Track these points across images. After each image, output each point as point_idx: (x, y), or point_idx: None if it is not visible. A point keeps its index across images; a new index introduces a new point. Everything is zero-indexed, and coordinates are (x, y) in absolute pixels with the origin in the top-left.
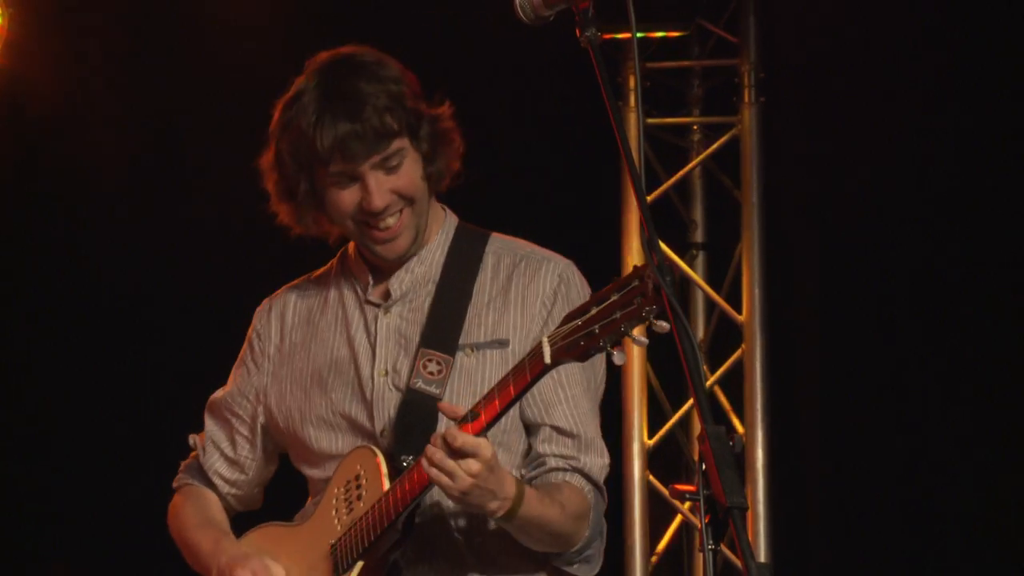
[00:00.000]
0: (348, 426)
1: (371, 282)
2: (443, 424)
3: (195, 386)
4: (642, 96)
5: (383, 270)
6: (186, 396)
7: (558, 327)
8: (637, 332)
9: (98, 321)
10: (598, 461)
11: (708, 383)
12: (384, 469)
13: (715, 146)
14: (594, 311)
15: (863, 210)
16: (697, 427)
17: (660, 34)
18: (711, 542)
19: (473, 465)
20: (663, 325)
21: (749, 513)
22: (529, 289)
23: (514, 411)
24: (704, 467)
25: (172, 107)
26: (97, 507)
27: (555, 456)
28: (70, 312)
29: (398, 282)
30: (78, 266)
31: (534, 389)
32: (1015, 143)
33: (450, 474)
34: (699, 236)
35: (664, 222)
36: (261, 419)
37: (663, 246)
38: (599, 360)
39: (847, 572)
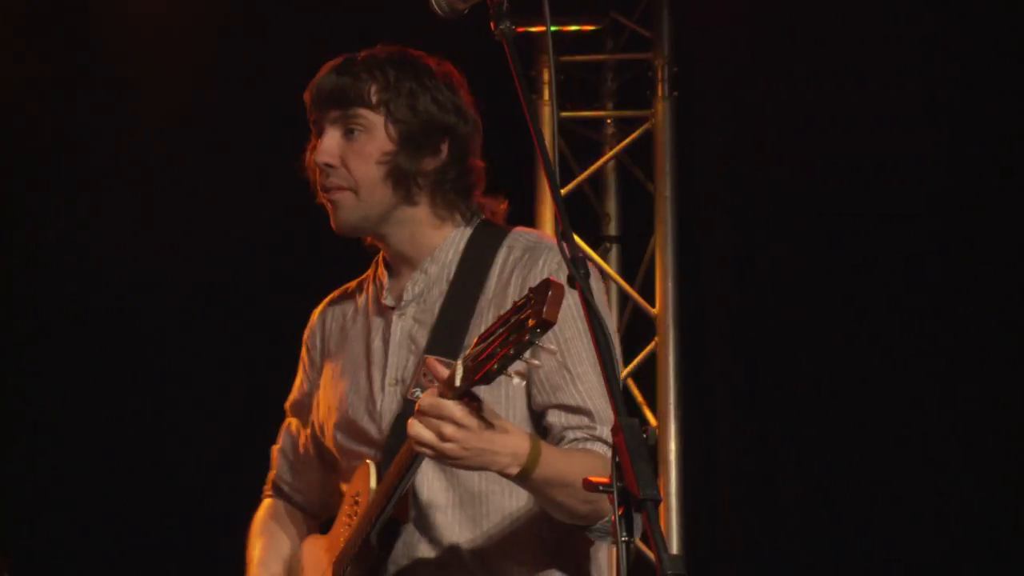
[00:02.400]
0: (360, 439)
1: (387, 284)
2: None
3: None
4: (556, 89)
5: (401, 272)
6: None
7: (472, 347)
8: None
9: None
10: None
11: (621, 376)
12: (373, 484)
13: (628, 140)
14: (498, 332)
15: (776, 203)
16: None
17: (574, 28)
18: (624, 534)
19: (445, 427)
20: (551, 349)
21: (662, 505)
22: (527, 281)
23: (520, 404)
24: (617, 459)
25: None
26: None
27: (571, 428)
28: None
29: (412, 283)
30: (74, 271)
31: (540, 374)
32: (932, 127)
33: (428, 444)
34: (612, 229)
35: (578, 215)
36: (315, 429)
37: (577, 239)
38: (612, 334)
39: (760, 564)
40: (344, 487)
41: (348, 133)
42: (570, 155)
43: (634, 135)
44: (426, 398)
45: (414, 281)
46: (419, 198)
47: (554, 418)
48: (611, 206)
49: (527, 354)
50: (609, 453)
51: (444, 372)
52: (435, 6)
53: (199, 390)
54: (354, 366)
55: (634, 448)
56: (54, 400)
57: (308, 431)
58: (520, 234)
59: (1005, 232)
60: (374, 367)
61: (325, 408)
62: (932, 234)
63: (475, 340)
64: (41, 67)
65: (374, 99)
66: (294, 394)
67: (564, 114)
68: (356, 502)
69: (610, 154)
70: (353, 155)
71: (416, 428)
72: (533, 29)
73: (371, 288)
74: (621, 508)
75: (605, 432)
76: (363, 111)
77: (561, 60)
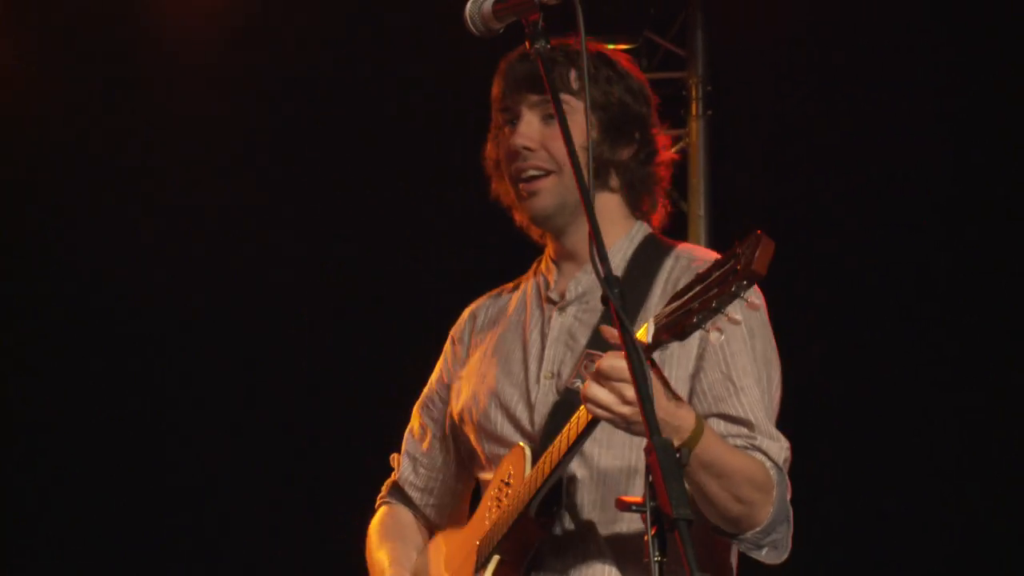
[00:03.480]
0: (511, 428)
1: (554, 280)
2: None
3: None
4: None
5: (566, 270)
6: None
7: (664, 305)
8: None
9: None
10: (775, 444)
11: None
12: (528, 464)
13: None
14: (696, 288)
15: (809, 221)
16: None
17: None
18: (657, 553)
19: (627, 389)
20: (755, 303)
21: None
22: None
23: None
24: (651, 478)
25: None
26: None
27: (732, 436)
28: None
29: (575, 283)
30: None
31: (704, 384)
32: (972, 151)
33: (605, 405)
34: None
35: None
36: (449, 421)
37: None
38: (772, 352)
39: None
40: (484, 475)
41: (548, 118)
42: None
43: None
44: (608, 359)
45: (577, 281)
46: (615, 187)
47: (715, 426)
48: None
49: (728, 308)
50: (767, 462)
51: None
52: (470, 25)
53: (199, 391)
54: (507, 354)
55: (668, 467)
56: (54, 401)
57: (443, 428)
58: (688, 248)
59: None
60: (530, 358)
61: (469, 394)
62: (970, 251)
63: (667, 301)
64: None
65: (574, 84)
66: (426, 392)
67: None
68: (507, 483)
69: None
70: (555, 138)
71: (594, 390)
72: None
73: (531, 284)
74: (654, 528)
75: (764, 443)
76: (564, 96)
77: None
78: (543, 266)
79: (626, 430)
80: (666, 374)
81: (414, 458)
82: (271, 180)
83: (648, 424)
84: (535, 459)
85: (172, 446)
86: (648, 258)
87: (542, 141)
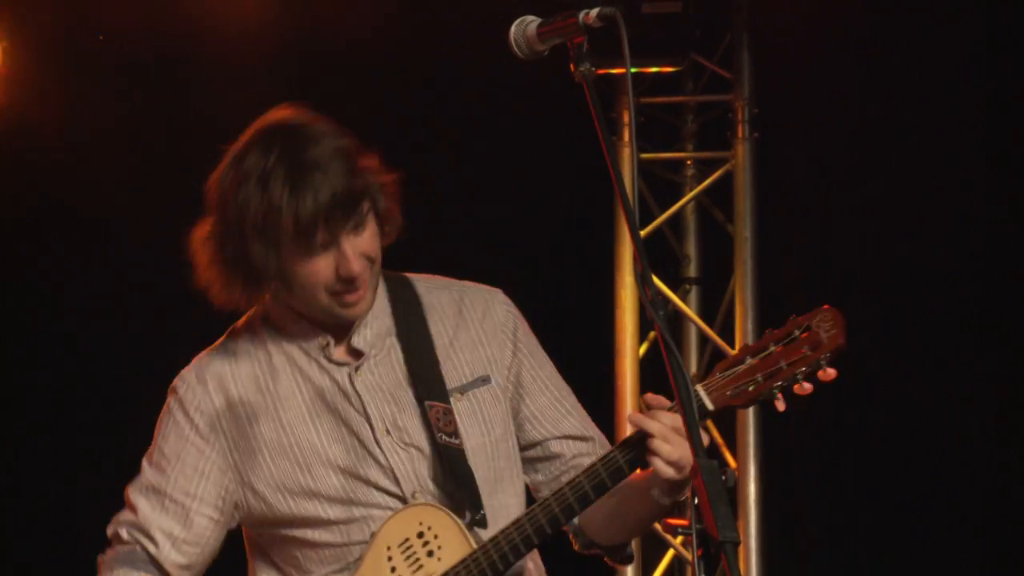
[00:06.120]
0: (366, 488)
1: (331, 342)
2: (479, 469)
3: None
4: (636, 131)
5: (335, 330)
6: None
7: (718, 375)
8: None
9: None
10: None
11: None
12: (459, 524)
13: (708, 181)
14: (760, 356)
15: (855, 244)
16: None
17: (654, 69)
18: (703, 575)
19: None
20: (830, 373)
21: (741, 548)
22: (485, 323)
23: (511, 446)
24: (696, 501)
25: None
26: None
27: (578, 455)
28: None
29: (360, 339)
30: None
31: (534, 409)
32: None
33: (679, 464)
34: (692, 271)
35: (657, 256)
36: (236, 496)
37: (656, 280)
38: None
39: None
40: (317, 535)
41: (358, 232)
42: (650, 196)
43: (714, 176)
44: (675, 418)
45: (362, 336)
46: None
47: (556, 448)
48: (691, 248)
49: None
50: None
51: (667, 403)
52: (515, 48)
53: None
54: (317, 425)
55: (713, 490)
56: (53, 400)
57: (214, 503)
58: (424, 280)
59: None
60: (354, 422)
61: (271, 469)
62: (1013, 271)
63: (722, 366)
64: (37, 99)
65: (362, 188)
66: (166, 470)
67: (644, 156)
68: (424, 542)
69: (690, 195)
70: (367, 245)
71: (667, 448)
72: (613, 71)
73: (281, 346)
74: (700, 550)
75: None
76: (363, 205)
77: (641, 102)
78: (291, 328)
79: (680, 481)
80: (482, 415)
81: (174, 537)
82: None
83: (695, 448)
84: (472, 519)
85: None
86: (402, 299)
87: (364, 258)
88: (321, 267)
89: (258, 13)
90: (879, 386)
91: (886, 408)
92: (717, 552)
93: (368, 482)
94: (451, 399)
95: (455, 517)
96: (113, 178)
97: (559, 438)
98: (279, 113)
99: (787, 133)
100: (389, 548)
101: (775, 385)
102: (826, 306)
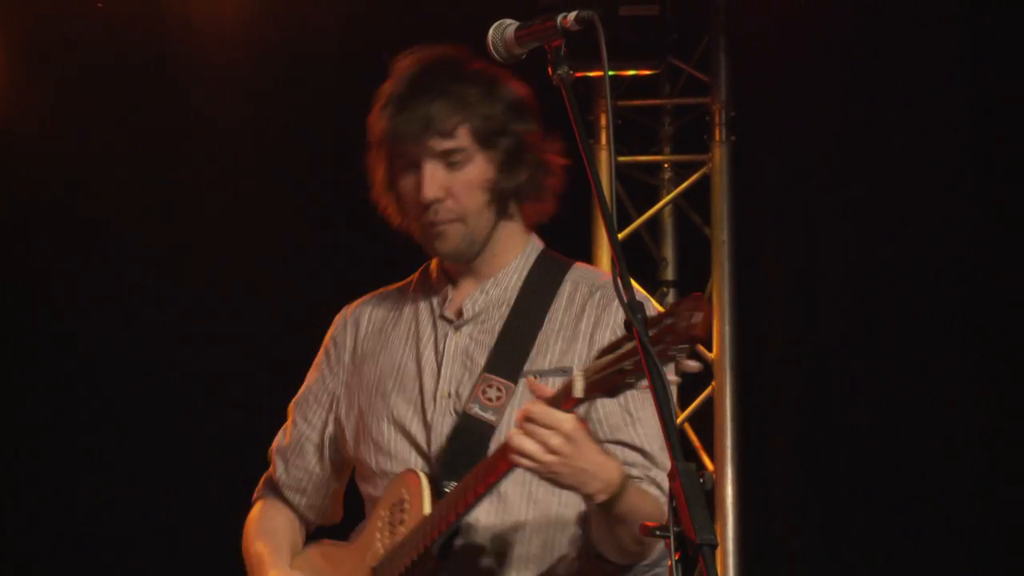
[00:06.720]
0: (406, 444)
1: (449, 297)
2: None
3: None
4: (613, 134)
5: (462, 287)
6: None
7: (594, 360)
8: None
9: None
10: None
11: (678, 420)
12: (426, 494)
13: (686, 184)
14: (628, 346)
15: (833, 248)
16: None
17: (631, 72)
18: None
19: (553, 438)
20: (691, 365)
21: (719, 550)
22: (601, 320)
23: None
24: (674, 504)
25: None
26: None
27: (628, 464)
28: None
29: (471, 302)
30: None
31: (601, 413)
32: (999, 171)
33: (531, 455)
34: (669, 274)
35: (635, 260)
36: (330, 428)
37: (634, 283)
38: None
39: None
40: (367, 486)
41: (451, 165)
42: (627, 199)
43: (691, 179)
44: (536, 407)
45: (473, 300)
46: (512, 213)
47: (611, 452)
48: (668, 250)
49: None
50: (662, 498)
51: (548, 390)
52: (493, 51)
53: (200, 392)
54: (399, 367)
55: (691, 493)
56: (53, 400)
57: (320, 431)
58: (585, 271)
59: None
60: (425, 375)
61: (358, 404)
62: (996, 275)
63: (596, 354)
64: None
65: (463, 124)
66: (303, 392)
67: (621, 159)
68: (402, 508)
69: (667, 198)
70: (459, 187)
71: (519, 439)
72: (591, 74)
73: (419, 296)
74: (678, 553)
75: (660, 476)
76: (459, 140)
77: (618, 104)
78: (433, 277)
79: (550, 480)
80: None
81: (286, 458)
82: (275, 188)
83: (672, 449)
84: (437, 490)
85: (175, 447)
86: (543, 279)
87: (448, 192)
88: (407, 184)
89: (237, 12)
90: (858, 388)
91: (865, 411)
92: (695, 555)
93: (408, 435)
94: (522, 380)
95: (427, 489)
96: (113, 178)
97: (612, 442)
98: (442, 47)
99: (764, 136)
100: (383, 511)
101: (633, 375)
102: (695, 293)
